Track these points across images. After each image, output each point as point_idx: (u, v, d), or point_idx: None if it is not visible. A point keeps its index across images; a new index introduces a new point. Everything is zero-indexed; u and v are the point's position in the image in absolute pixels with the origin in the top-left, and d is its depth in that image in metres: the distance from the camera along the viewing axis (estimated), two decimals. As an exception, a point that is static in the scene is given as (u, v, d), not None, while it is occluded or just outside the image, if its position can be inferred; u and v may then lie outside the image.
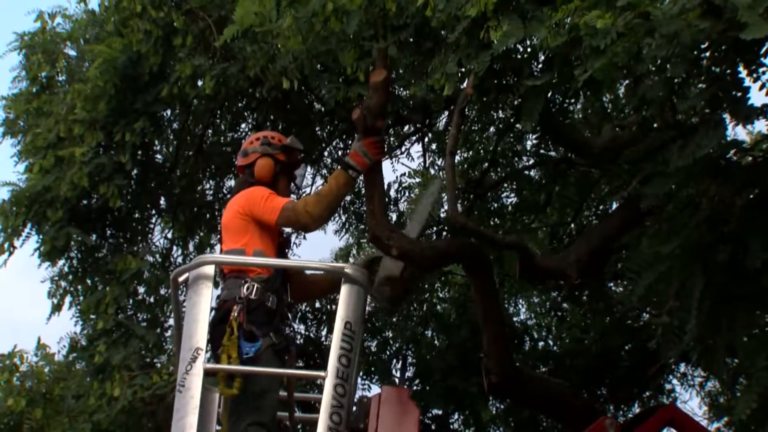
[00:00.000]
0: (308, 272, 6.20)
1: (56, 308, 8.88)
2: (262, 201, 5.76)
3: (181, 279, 5.58)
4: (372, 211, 6.05)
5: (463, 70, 5.93)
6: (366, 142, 5.80)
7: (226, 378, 5.36)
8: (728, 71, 5.18)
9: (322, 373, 5.16)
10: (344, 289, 5.38)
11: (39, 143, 8.51)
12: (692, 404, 29.94)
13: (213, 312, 5.68)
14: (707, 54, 5.27)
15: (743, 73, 5.14)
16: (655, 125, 6.63)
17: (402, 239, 6.09)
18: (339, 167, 5.92)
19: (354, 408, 5.67)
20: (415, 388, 11.35)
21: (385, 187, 8.17)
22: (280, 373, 5.58)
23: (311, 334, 11.09)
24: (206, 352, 5.28)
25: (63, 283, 8.92)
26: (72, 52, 9.18)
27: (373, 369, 11.22)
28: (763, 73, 5.08)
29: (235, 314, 5.45)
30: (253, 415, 5.39)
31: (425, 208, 7.18)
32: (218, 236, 10.33)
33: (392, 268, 6.19)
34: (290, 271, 5.96)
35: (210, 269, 5.45)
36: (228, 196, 10.32)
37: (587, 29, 4.78)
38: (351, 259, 12.24)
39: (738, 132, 10.68)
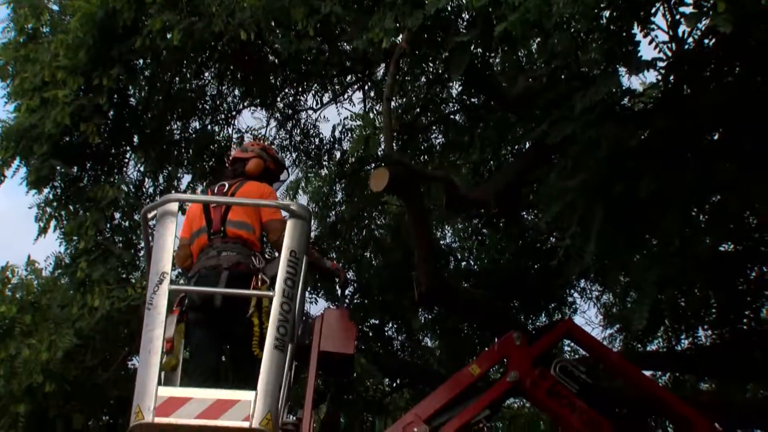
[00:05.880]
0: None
1: (42, 231, 8.76)
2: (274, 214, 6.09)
3: (150, 215, 5.55)
4: None
5: (398, 25, 5.94)
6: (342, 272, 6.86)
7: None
8: (624, 28, 5.31)
9: (270, 293, 5.17)
10: (290, 223, 5.38)
11: (26, 86, 8.35)
12: (590, 314, 30.54)
13: (226, 270, 5.81)
14: (607, 13, 5.38)
15: (637, 30, 5.28)
16: (562, 77, 6.67)
17: None
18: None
19: (300, 327, 5.70)
20: (356, 302, 11.43)
21: (331, 129, 8.05)
22: (236, 294, 5.60)
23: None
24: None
25: (48, 209, 8.80)
26: (55, 7, 9.00)
27: (319, 285, 11.27)
28: (652, 30, 5.23)
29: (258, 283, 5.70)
30: None
31: None
32: (183, 171, 10.38)
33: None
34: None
35: (174, 206, 5.46)
36: (192, 135, 10.30)
37: None
38: (300, 192, 12.28)
39: (633, 82, 10.79)
